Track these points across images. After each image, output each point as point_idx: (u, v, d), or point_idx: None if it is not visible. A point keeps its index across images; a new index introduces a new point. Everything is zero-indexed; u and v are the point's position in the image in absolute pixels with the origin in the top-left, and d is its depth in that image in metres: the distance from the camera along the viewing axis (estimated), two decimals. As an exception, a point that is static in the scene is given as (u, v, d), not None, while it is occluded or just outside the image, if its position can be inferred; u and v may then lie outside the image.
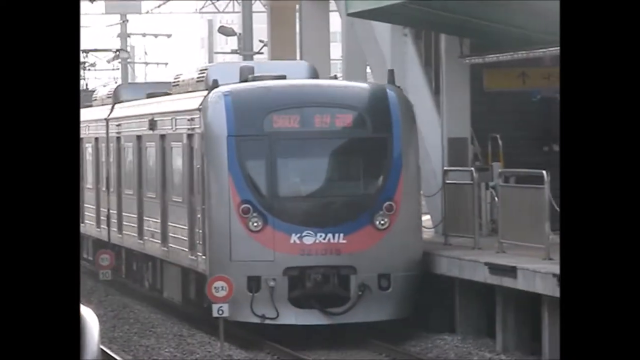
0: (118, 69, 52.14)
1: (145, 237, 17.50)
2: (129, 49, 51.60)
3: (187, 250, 14.72)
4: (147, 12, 54.86)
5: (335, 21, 30.39)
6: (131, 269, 19.85)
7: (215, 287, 12.32)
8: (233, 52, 36.83)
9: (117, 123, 20.42)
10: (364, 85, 16.02)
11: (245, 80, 14.48)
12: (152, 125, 16.87)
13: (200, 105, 14.07)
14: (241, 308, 12.92)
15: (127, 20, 55.69)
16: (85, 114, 23.49)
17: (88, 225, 21.91)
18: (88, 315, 3.16)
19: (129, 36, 53.22)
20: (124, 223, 19.26)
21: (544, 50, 14.86)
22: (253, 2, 33.95)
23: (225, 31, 37.65)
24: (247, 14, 31.88)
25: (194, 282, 15.00)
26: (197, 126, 14.16)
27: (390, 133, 13.53)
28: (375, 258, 13.09)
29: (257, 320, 12.86)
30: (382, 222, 13.21)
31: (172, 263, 15.67)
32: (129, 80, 47.76)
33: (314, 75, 16.28)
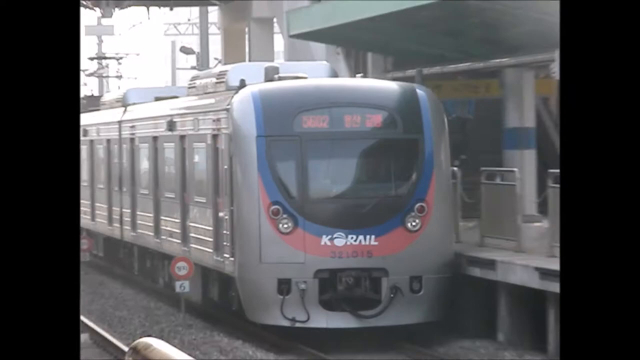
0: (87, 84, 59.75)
1: (163, 237, 17.38)
2: (104, 64, 57.57)
3: (211, 251, 14.36)
4: (119, 34, 67.54)
5: (279, 42, 38.27)
6: (144, 266, 19.84)
7: (177, 267, 14.29)
8: (192, 67, 42.92)
9: (130, 125, 20.41)
10: (394, 85, 15.03)
11: (271, 80, 14.01)
12: (171, 126, 16.59)
13: (228, 105, 13.53)
14: (271, 311, 12.48)
15: (102, 41, 66.30)
16: (95, 117, 24.12)
17: (99, 224, 22.74)
18: None
19: (104, 54, 59.92)
20: (138, 222, 19.25)
21: (456, 65, 18.40)
22: (209, 25, 42.13)
23: (185, 50, 45.13)
24: (204, 36, 40.45)
25: (218, 283, 14.78)
26: (224, 127, 13.66)
27: (421, 134, 12.99)
28: (407, 260, 12.53)
29: (287, 323, 12.35)
30: (413, 223, 12.58)
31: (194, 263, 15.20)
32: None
33: (335, 76, 16.08)
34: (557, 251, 10.84)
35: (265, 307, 12.48)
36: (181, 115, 16.66)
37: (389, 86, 15.03)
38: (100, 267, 24.31)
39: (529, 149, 18.05)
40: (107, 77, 60.10)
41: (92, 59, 55.07)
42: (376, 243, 12.38)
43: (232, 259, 13.11)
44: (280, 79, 14.00)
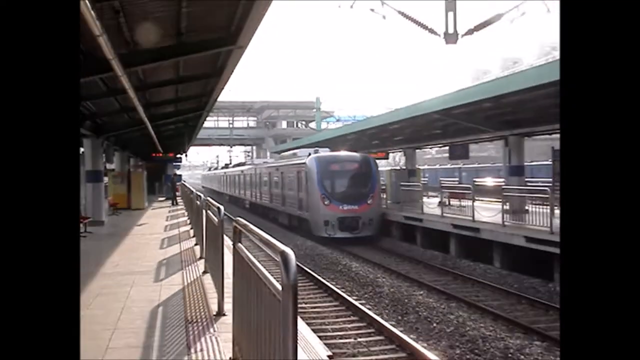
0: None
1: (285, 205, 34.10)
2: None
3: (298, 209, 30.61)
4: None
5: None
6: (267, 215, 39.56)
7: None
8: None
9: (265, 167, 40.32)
10: (360, 154, 30.27)
11: (316, 152, 30.11)
12: (289, 167, 33.00)
13: (304, 162, 29.33)
14: (322, 232, 27.23)
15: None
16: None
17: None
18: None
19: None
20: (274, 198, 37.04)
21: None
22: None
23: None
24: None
25: (299, 219, 31.17)
26: (302, 168, 29.26)
27: (371, 170, 28.97)
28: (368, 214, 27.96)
29: (327, 235, 27.00)
30: (370, 201, 27.93)
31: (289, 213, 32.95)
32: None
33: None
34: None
35: (319, 229, 27.40)
36: (284, 165, 34.79)
37: (359, 155, 30.11)
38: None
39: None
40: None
41: None
42: (357, 208, 27.33)
43: (307, 213, 28.65)
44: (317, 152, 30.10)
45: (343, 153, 30.55)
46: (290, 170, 32.32)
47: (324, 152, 30.05)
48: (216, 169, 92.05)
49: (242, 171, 53.92)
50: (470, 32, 17.60)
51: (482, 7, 39.03)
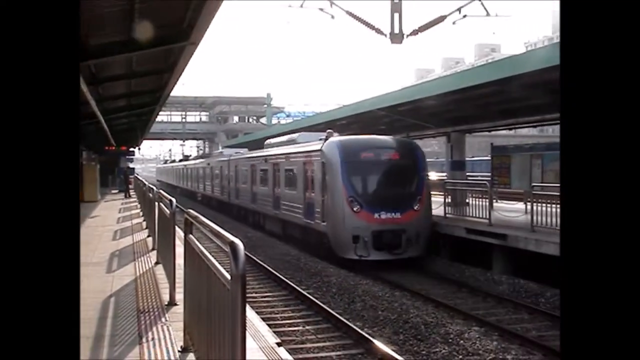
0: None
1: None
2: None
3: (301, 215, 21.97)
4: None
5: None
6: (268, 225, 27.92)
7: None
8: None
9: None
10: (399, 138, 22.36)
11: (327, 138, 20.43)
12: (287, 157, 24.35)
13: (319, 148, 20.22)
14: (349, 252, 18.28)
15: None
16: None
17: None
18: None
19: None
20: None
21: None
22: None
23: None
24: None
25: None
26: (316, 158, 20.38)
27: (416, 162, 19.86)
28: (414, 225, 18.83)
29: (356, 257, 18.14)
30: (416, 207, 18.84)
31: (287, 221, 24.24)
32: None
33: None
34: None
35: (345, 249, 18.42)
36: (292, 153, 24.22)
37: (398, 139, 21.77)
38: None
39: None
40: None
41: None
42: (400, 216, 18.51)
43: (324, 223, 19.41)
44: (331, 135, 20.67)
45: (376, 137, 21.38)
46: (293, 161, 23.33)
47: (338, 136, 20.80)
48: (174, 161, 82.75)
49: (208, 163, 44.67)
50: (415, 32, 17.77)
51: (426, 9, 39.45)
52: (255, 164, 29.75)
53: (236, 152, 37.29)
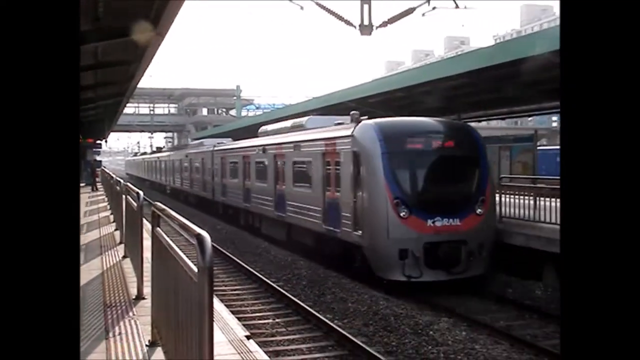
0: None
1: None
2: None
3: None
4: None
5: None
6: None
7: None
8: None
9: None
10: (452, 122, 18.81)
11: (357, 121, 16.07)
12: (297, 147, 19.97)
13: (349, 134, 15.74)
14: (394, 271, 14.10)
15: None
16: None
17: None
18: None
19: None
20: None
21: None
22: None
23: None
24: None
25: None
26: (346, 147, 15.83)
27: (477, 152, 15.61)
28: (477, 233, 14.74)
29: (404, 279, 14.02)
30: (479, 210, 14.84)
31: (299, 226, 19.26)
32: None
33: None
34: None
35: (389, 265, 14.20)
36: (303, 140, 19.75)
37: (451, 122, 18.00)
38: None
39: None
40: None
41: None
42: (460, 223, 14.50)
43: (357, 233, 15.05)
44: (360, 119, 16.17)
45: (423, 119, 16.83)
46: (305, 151, 18.98)
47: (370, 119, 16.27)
48: (145, 153, 77.35)
49: (186, 155, 39.50)
50: (384, 24, 17.78)
51: (396, 1, 39.48)
52: (248, 155, 25.25)
53: (219, 143, 32.63)
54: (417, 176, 14.82)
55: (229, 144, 31.06)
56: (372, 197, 14.50)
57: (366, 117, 16.29)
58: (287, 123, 23.27)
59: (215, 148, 31.65)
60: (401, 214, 14.10)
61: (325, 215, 16.95)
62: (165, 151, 57.59)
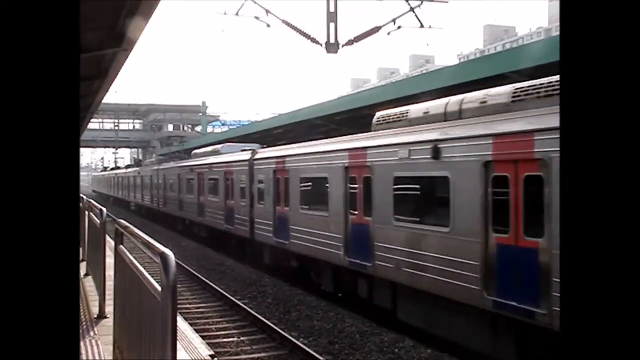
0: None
1: None
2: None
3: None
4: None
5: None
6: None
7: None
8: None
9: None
10: None
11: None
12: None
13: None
14: None
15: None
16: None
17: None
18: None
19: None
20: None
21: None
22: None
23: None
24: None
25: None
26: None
27: None
28: None
29: None
30: None
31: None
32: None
33: None
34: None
35: None
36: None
37: None
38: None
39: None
40: None
41: None
42: None
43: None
44: None
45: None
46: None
47: None
48: (118, 168, 67.95)
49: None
50: (350, 42, 17.92)
51: (362, 20, 39.89)
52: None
53: (251, 149, 23.95)
54: None
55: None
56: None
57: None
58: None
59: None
60: None
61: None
62: (146, 163, 52.46)
